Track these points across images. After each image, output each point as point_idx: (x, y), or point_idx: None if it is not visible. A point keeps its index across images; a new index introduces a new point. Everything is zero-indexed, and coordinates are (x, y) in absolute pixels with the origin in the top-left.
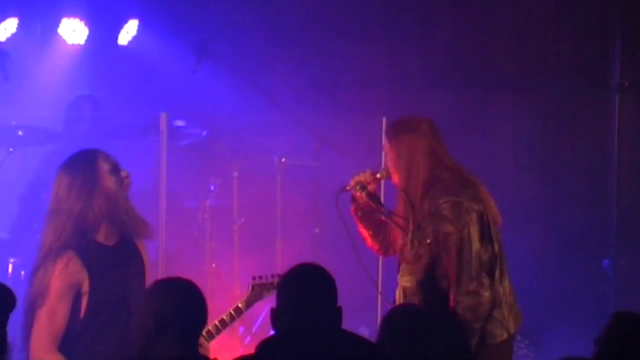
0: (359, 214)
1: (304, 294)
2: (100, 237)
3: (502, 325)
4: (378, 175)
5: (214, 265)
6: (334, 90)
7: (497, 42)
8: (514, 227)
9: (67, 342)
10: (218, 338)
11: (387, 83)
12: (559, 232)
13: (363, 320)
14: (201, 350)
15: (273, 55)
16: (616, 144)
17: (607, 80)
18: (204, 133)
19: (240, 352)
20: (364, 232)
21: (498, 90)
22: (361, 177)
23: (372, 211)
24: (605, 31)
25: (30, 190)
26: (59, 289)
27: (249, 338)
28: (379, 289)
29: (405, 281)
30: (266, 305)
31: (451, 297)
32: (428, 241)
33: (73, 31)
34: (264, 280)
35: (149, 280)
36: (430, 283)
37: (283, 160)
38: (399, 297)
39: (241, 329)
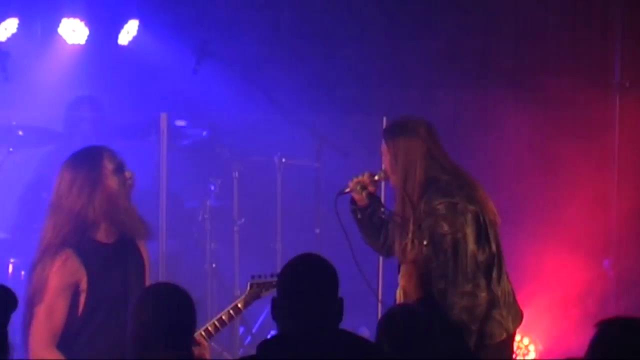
0: (359, 216)
1: (305, 284)
2: (100, 236)
3: (500, 325)
4: (376, 177)
5: (214, 265)
6: (334, 90)
7: (498, 41)
8: (515, 227)
9: (66, 340)
10: (218, 338)
11: (388, 82)
12: (560, 232)
13: (363, 320)
14: (200, 350)
15: (273, 55)
16: (617, 144)
17: (608, 80)
18: (204, 133)
19: (241, 352)
20: (364, 234)
21: (498, 89)
22: (360, 179)
23: (372, 213)
24: (606, 31)
25: (30, 190)
26: (56, 286)
27: (249, 338)
28: (379, 298)
29: (405, 281)
30: (266, 306)
31: (448, 298)
32: (425, 242)
33: (73, 31)
34: (262, 280)
35: (150, 280)
36: (429, 283)
37: (283, 160)
38: (399, 297)
39: (241, 329)
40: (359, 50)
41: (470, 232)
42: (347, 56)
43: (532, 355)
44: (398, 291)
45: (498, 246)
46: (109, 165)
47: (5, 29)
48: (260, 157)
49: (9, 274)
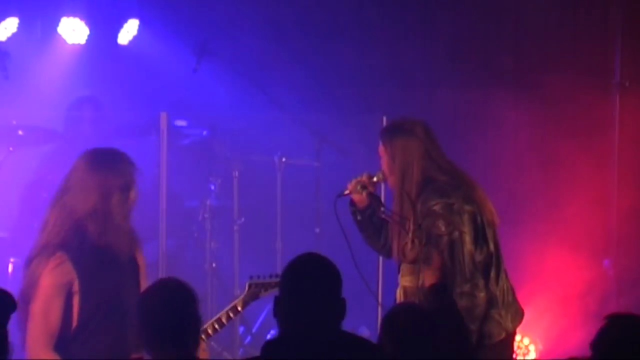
0: (359, 217)
1: (308, 283)
2: (96, 239)
3: (499, 325)
4: (375, 179)
5: (214, 265)
6: (334, 89)
7: (498, 40)
8: (514, 226)
9: (63, 342)
10: (218, 338)
11: (388, 82)
12: (560, 232)
13: (363, 320)
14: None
15: (273, 54)
16: (617, 144)
17: (608, 79)
18: (205, 133)
19: (241, 352)
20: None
21: (499, 88)
22: (359, 180)
23: (372, 214)
24: (606, 30)
25: (31, 189)
26: (50, 286)
27: (249, 338)
28: (380, 302)
29: (405, 281)
30: (266, 306)
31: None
32: (423, 242)
33: (73, 31)
34: (261, 280)
35: (148, 280)
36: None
37: (283, 159)
38: (399, 297)
39: (241, 329)
40: (359, 49)
41: (467, 233)
42: (347, 55)
43: (532, 355)
44: (398, 291)
45: (496, 246)
46: (118, 180)
47: (5, 28)
48: (261, 157)
49: (9, 273)
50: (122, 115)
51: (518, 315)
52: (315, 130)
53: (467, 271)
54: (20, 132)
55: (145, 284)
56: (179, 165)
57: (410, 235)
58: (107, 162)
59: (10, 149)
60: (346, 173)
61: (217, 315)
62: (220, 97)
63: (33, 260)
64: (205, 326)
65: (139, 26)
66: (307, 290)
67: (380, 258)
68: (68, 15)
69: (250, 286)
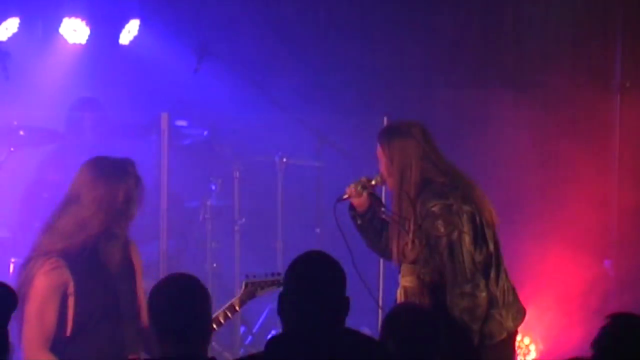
0: (359, 222)
1: (313, 281)
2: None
3: (500, 325)
4: (373, 182)
5: (215, 265)
6: (335, 89)
7: (499, 41)
8: (515, 226)
9: (59, 343)
10: (219, 338)
11: (389, 82)
12: (560, 232)
13: (364, 321)
14: None
15: (274, 54)
16: (618, 144)
17: (609, 80)
18: (205, 133)
19: (242, 352)
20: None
21: (500, 89)
22: (357, 187)
23: (372, 217)
24: (606, 32)
25: (32, 190)
26: (45, 288)
27: (250, 338)
28: (380, 305)
29: (406, 281)
30: (267, 306)
31: (448, 299)
32: (423, 243)
33: (74, 31)
34: (257, 279)
35: (148, 281)
36: (431, 283)
37: (284, 159)
38: (399, 297)
39: (242, 329)
40: (360, 49)
41: (466, 233)
42: (348, 56)
43: (533, 355)
44: (399, 291)
45: (496, 246)
46: (122, 195)
47: (6, 28)
48: (261, 157)
49: (10, 273)
50: (123, 115)
51: (519, 315)
52: (316, 130)
53: (468, 271)
54: (21, 133)
55: (141, 285)
56: (180, 166)
57: (410, 235)
58: (116, 174)
59: (12, 149)
60: (347, 173)
61: (215, 315)
62: (221, 97)
63: (30, 262)
64: None
65: (140, 26)
66: (312, 287)
67: (381, 260)
68: (69, 16)
69: (246, 285)
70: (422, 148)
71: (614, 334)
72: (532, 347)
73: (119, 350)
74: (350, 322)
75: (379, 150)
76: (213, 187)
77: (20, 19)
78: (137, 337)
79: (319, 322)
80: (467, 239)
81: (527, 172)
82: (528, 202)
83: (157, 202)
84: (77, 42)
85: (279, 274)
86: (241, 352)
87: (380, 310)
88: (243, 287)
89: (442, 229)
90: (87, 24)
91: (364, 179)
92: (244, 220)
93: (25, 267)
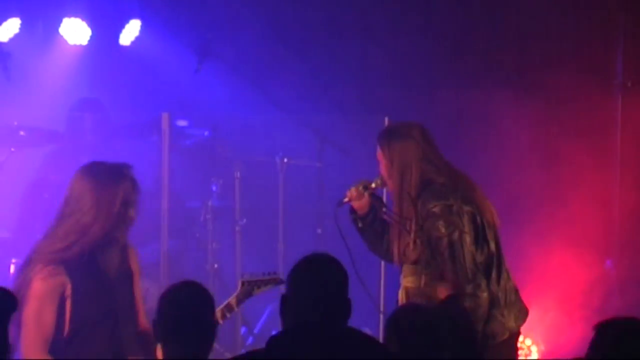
0: (360, 225)
1: (315, 283)
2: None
3: (502, 325)
4: (373, 185)
5: (216, 265)
6: (336, 90)
7: (500, 40)
8: (516, 226)
9: (57, 346)
10: (220, 338)
11: (390, 82)
12: (562, 232)
13: (366, 321)
14: None
15: (275, 55)
16: (619, 144)
17: (610, 80)
18: (206, 133)
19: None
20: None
21: (501, 89)
22: (358, 187)
23: (373, 220)
24: (608, 31)
25: (32, 190)
26: (43, 292)
27: (251, 339)
28: (381, 310)
29: (407, 282)
30: (268, 307)
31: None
32: (424, 243)
33: (75, 31)
34: (254, 278)
35: (148, 281)
36: (432, 284)
37: (285, 160)
38: (401, 298)
39: (243, 329)
40: (361, 49)
41: (467, 233)
42: (349, 56)
43: (534, 355)
44: (400, 292)
45: (497, 245)
46: (121, 196)
47: (7, 29)
48: (262, 157)
49: (11, 274)
50: (124, 115)
51: (521, 315)
52: (317, 131)
53: (469, 272)
54: (21, 133)
55: (138, 289)
56: (181, 166)
57: (412, 235)
58: (112, 178)
59: (12, 149)
60: (348, 173)
61: None
62: (221, 97)
63: (29, 266)
64: None
65: (141, 27)
66: (315, 289)
67: (382, 262)
68: (70, 16)
69: (243, 284)
70: (421, 149)
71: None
72: (534, 348)
73: (117, 353)
74: (351, 322)
75: (379, 152)
76: (214, 188)
77: (21, 20)
78: (135, 340)
79: (320, 324)
80: (468, 240)
81: (528, 172)
82: (529, 202)
83: (158, 202)
84: (78, 42)
85: (274, 273)
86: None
87: (381, 316)
88: (239, 285)
89: (443, 230)
90: (87, 25)
91: (364, 181)
92: (245, 220)
93: (24, 270)
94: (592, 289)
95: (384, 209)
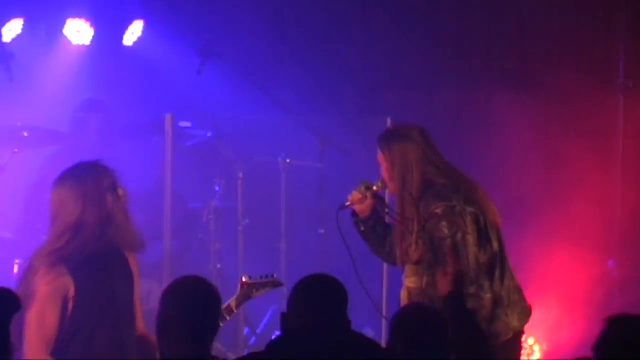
0: (362, 228)
1: (316, 303)
2: (90, 248)
3: (506, 325)
4: (375, 187)
5: (218, 266)
6: (338, 91)
7: (502, 42)
8: (518, 226)
9: (59, 347)
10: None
11: (392, 83)
12: (564, 232)
13: (367, 321)
14: None
15: (277, 56)
16: (621, 144)
17: (612, 80)
18: (209, 134)
19: (245, 353)
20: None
21: (503, 90)
22: (360, 190)
23: (375, 224)
24: (610, 31)
25: (35, 191)
26: (47, 294)
27: (254, 339)
28: (384, 314)
29: (410, 282)
30: (271, 306)
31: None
32: (426, 244)
33: (78, 32)
34: (253, 280)
35: (151, 281)
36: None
37: (288, 161)
38: (403, 298)
39: (246, 330)
40: (363, 50)
41: (470, 234)
42: (351, 57)
43: (537, 355)
44: (402, 292)
45: (500, 245)
46: (104, 182)
47: (10, 30)
48: (265, 158)
49: (14, 274)
50: (127, 116)
51: (525, 314)
52: (319, 132)
53: (472, 273)
54: (25, 134)
55: (138, 289)
56: (184, 167)
57: (414, 236)
58: (81, 171)
59: (15, 150)
60: (350, 174)
61: None
62: (224, 98)
63: (32, 267)
64: None
65: (144, 28)
66: (315, 310)
67: (384, 264)
68: (73, 17)
69: (242, 286)
70: (422, 150)
71: (613, 337)
72: (537, 348)
73: (119, 354)
74: (353, 322)
75: (380, 155)
76: (217, 188)
77: (24, 21)
78: (136, 342)
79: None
80: (471, 240)
81: (530, 172)
82: (531, 202)
83: (161, 202)
84: (81, 43)
85: (273, 276)
86: (245, 353)
87: (383, 320)
88: (239, 288)
89: (446, 231)
90: (91, 25)
91: (365, 182)
92: (247, 221)
93: (27, 272)
94: (594, 289)
95: (386, 210)
